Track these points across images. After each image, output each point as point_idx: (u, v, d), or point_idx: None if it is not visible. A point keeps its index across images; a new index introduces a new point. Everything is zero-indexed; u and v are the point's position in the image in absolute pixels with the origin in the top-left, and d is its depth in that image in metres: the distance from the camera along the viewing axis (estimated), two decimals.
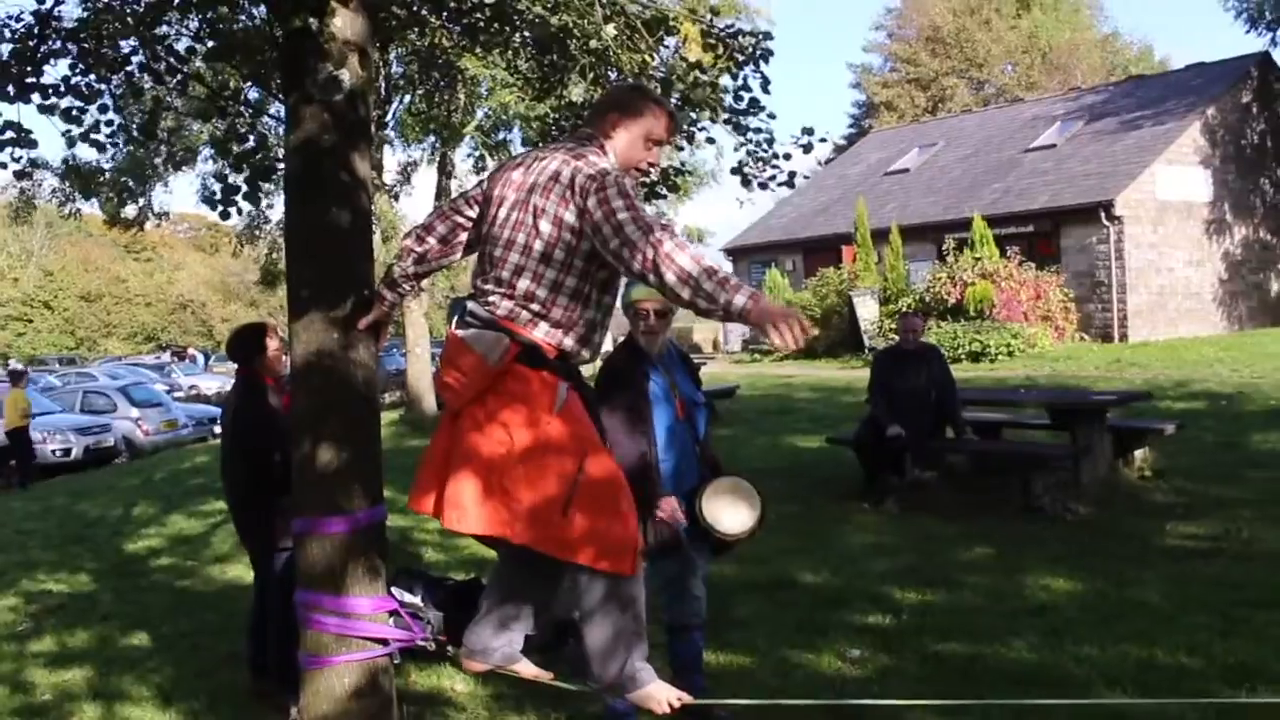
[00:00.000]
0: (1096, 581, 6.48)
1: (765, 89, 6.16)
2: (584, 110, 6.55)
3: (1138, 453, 9.43)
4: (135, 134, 6.25)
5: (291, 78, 4.22)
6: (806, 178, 8.16)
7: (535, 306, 3.28)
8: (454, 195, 6.82)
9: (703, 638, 4.95)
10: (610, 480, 3.33)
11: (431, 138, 19.29)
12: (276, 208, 19.00)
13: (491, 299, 3.32)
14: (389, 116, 18.33)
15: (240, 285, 64.33)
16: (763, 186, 6.41)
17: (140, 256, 73.18)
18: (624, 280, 3.68)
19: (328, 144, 4.15)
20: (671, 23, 5.82)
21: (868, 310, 25.02)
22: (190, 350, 57.21)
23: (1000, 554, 7.30)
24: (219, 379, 38.37)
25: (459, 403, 3.42)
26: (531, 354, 3.29)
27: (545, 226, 3.26)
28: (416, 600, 5.85)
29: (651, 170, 3.57)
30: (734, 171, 6.41)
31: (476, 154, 19.64)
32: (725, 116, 6.18)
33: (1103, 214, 23.85)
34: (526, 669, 3.77)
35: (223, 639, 6.86)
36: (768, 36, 6.01)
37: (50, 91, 5.49)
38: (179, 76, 5.87)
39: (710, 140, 6.60)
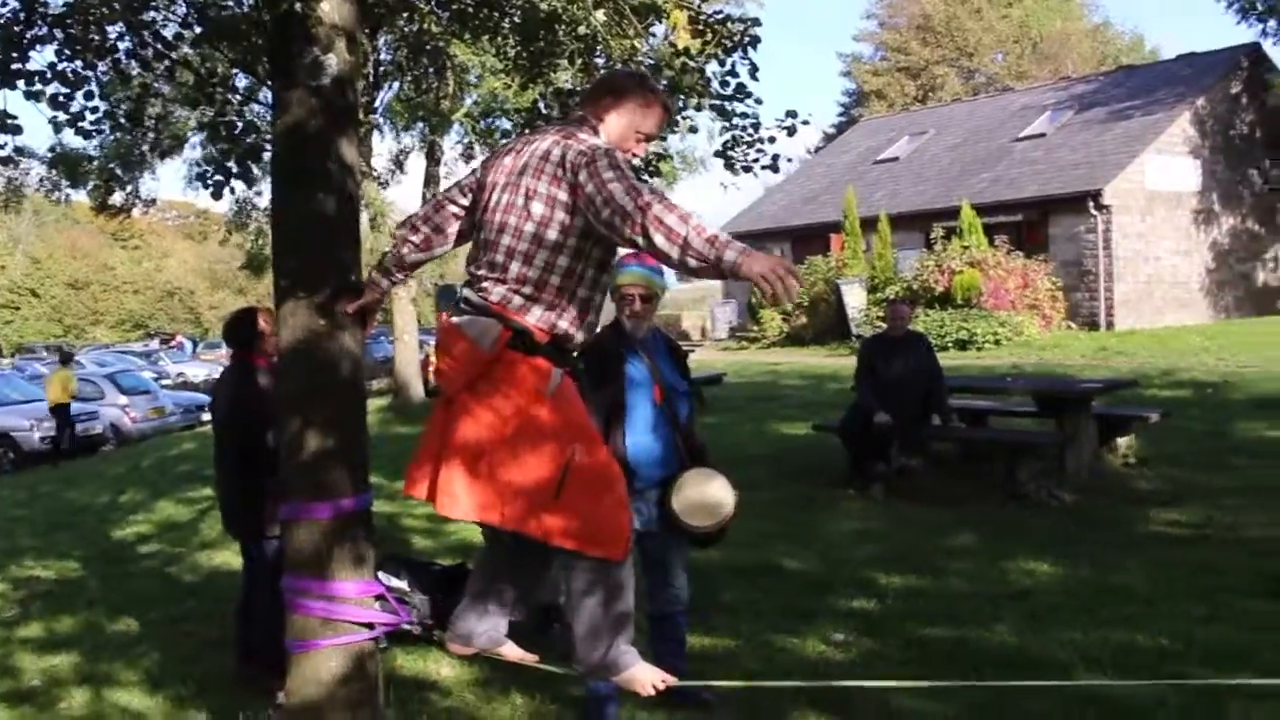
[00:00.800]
0: (1080, 567, 6.52)
1: (754, 76, 6.15)
2: (571, 97, 6.55)
3: (1123, 440, 9.47)
4: (122, 121, 6.23)
5: (279, 63, 4.23)
6: (790, 160, 8.19)
7: (528, 290, 3.27)
8: (447, 184, 6.82)
9: (686, 623, 4.97)
10: (602, 467, 3.33)
11: (421, 125, 19.24)
12: (264, 195, 18.95)
13: (484, 285, 3.32)
14: (378, 103, 18.27)
15: (228, 273, 64.09)
16: (746, 170, 6.41)
17: (128, 244, 72.88)
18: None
19: (315, 129, 4.15)
20: (661, 8, 5.82)
21: (855, 298, 25.06)
22: (178, 337, 57.03)
23: (985, 540, 7.34)
24: (206, 366, 38.26)
25: (452, 389, 3.41)
26: (524, 340, 3.28)
27: (537, 208, 3.24)
28: (403, 585, 5.86)
29: (635, 158, 3.55)
30: (718, 155, 6.41)
31: (466, 141, 19.60)
32: (711, 102, 6.18)
33: (1091, 203, 23.90)
34: (512, 652, 3.78)
35: (210, 624, 6.87)
36: (756, 23, 6.01)
37: (36, 78, 5.47)
38: (166, 62, 5.86)
39: (693, 129, 6.60)
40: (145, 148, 18.78)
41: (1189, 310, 25.59)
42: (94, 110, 5.85)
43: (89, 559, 9.46)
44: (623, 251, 3.81)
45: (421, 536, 8.64)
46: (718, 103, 6.25)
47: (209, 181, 5.54)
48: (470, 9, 6.39)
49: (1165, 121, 25.64)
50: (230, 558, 7.86)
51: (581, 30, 5.91)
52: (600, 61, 6.25)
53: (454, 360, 3.37)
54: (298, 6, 4.06)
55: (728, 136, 6.45)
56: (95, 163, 18.13)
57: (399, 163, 21.21)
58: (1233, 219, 26.93)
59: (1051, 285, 24.06)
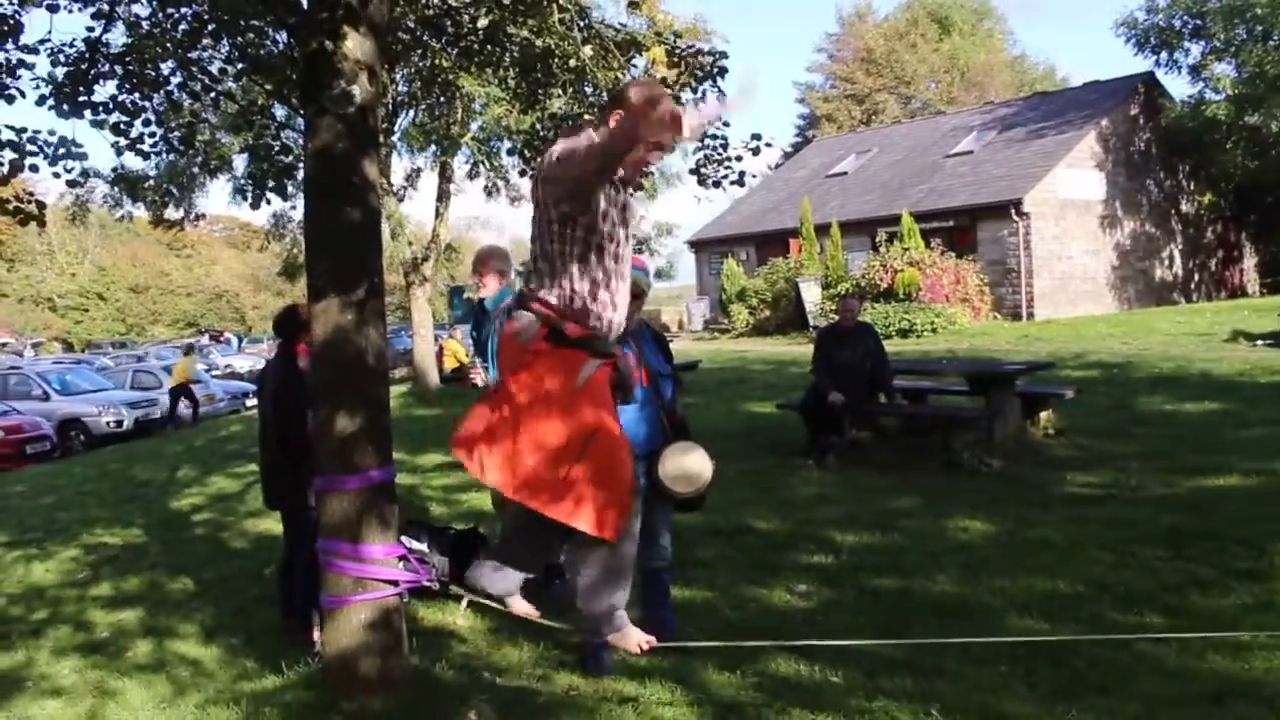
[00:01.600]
0: (1008, 524, 6.52)
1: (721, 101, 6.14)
2: (564, 122, 6.52)
3: (1043, 414, 9.49)
4: (176, 145, 6.20)
5: (310, 93, 4.19)
6: (754, 177, 8.14)
7: (544, 278, 3.23)
8: (457, 200, 6.73)
9: (670, 577, 4.95)
10: (613, 459, 3.27)
11: (433, 147, 19.13)
12: (298, 209, 18.84)
13: (530, 284, 3.31)
14: (395, 128, 18.18)
15: (268, 277, 63.73)
16: (716, 185, 6.41)
17: (181, 253, 72.54)
18: None
19: (341, 151, 4.13)
20: (641, 43, 5.80)
21: (812, 294, 25.07)
22: (225, 334, 56.76)
23: (926, 502, 7.33)
24: (250, 358, 38.06)
25: (503, 375, 3.40)
26: (557, 334, 3.23)
27: (537, 205, 3.24)
28: (423, 547, 5.82)
29: (649, 167, 3.43)
30: (692, 172, 6.41)
31: (473, 161, 19.52)
32: None
33: (1013, 211, 23.95)
34: (519, 606, 3.76)
35: (257, 583, 6.84)
36: (724, 56, 6.00)
37: (100, 108, 5.45)
38: (213, 94, 5.83)
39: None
40: (195, 168, 18.71)
41: (1097, 302, 25.67)
42: (151, 135, 5.83)
43: (151, 527, 9.40)
44: None
45: (438, 505, 8.61)
46: None
47: (249, 195, 5.51)
48: (475, 46, 6.36)
49: (1075, 139, 25.70)
50: (273, 525, 7.81)
51: (572, 63, 5.88)
52: (589, 90, 6.23)
53: (504, 350, 3.37)
54: (326, 44, 4.03)
55: (700, 155, 6.43)
56: (152, 182, 18.01)
57: (413, 180, 21.11)
58: (1133, 223, 27.00)
59: (980, 281, 24.12)
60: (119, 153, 5.77)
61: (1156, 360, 14.07)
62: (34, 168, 5.31)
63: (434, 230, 20.05)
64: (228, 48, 5.86)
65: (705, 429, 9.39)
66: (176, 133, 6.22)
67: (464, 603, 4.21)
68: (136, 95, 5.56)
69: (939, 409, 10.01)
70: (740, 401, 13.51)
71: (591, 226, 3.17)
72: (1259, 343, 15.47)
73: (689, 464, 4.45)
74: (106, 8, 5.27)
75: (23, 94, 5.34)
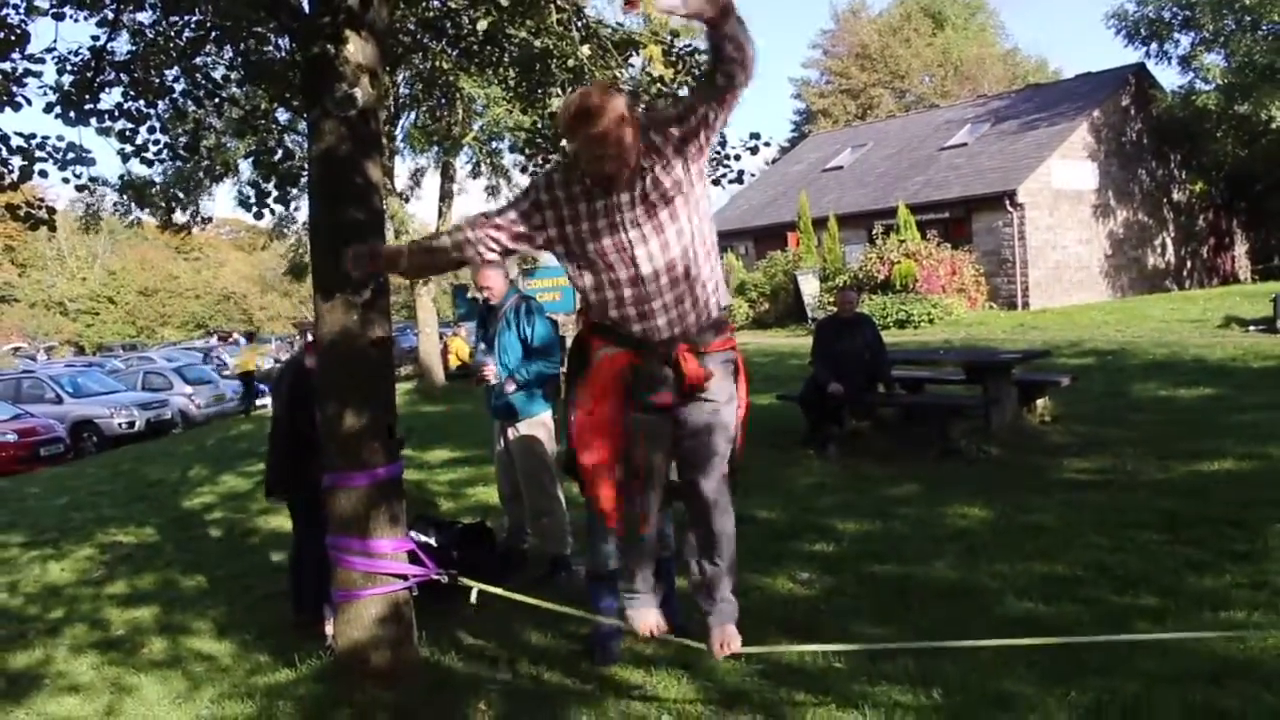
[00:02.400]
0: (1006, 510, 6.52)
1: None
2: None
3: (1039, 402, 9.49)
4: (181, 151, 6.20)
5: (312, 97, 4.20)
6: (754, 175, 8.17)
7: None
8: (459, 199, 6.72)
9: (675, 568, 4.95)
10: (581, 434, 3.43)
11: (435, 148, 19.13)
12: (302, 210, 18.87)
13: None
14: (398, 130, 18.18)
15: (274, 278, 63.77)
16: (716, 183, 6.41)
17: (189, 256, 72.52)
18: None
19: (344, 154, 4.13)
20: (638, 42, 5.79)
21: (810, 287, 25.04)
22: (234, 334, 56.76)
23: (925, 489, 7.34)
24: (258, 359, 38.05)
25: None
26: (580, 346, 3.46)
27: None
28: (431, 541, 5.83)
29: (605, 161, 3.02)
30: None
31: (474, 161, 19.51)
32: None
33: (1007, 202, 23.89)
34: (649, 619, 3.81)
35: (268, 579, 6.85)
36: None
37: (106, 115, 5.45)
38: (216, 100, 5.83)
39: None
40: (201, 173, 18.71)
41: (1091, 290, 25.62)
42: (156, 142, 5.84)
43: (164, 525, 9.42)
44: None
45: (445, 499, 8.61)
46: None
47: (252, 204, 5.51)
48: (475, 48, 6.36)
49: (1067, 131, 25.63)
50: (283, 522, 7.81)
51: (570, 63, 5.88)
52: None
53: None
54: (328, 49, 4.03)
55: None
56: (159, 187, 17.96)
57: (417, 180, 21.12)
58: (1125, 212, 26.94)
59: (975, 272, 24.07)
60: (125, 159, 5.77)
61: (1150, 347, 14.06)
62: (43, 173, 5.32)
63: (437, 230, 20.05)
64: (230, 54, 5.86)
65: None
66: (181, 139, 6.22)
67: (473, 593, 4.21)
68: (141, 102, 5.56)
69: (937, 398, 10.00)
70: None
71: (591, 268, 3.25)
72: (1251, 328, 15.45)
73: None
74: (111, 16, 5.27)
75: (29, 102, 5.34)
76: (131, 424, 20.87)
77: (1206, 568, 5.04)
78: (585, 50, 5.65)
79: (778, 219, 29.61)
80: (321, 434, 4.24)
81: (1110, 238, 26.61)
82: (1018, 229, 24.01)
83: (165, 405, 22.32)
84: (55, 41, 5.30)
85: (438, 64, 7.32)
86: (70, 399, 21.64)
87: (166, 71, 5.59)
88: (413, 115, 17.96)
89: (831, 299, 21.07)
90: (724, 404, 3.37)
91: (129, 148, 5.64)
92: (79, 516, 10.63)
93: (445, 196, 19.83)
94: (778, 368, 16.09)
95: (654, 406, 3.35)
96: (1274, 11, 24.40)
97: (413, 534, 4.85)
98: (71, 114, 5.25)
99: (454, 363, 21.57)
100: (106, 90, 5.41)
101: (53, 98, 5.29)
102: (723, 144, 6.40)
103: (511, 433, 6.15)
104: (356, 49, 4.11)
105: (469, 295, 5.39)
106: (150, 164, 5.98)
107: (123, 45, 5.79)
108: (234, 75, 5.90)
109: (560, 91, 6.12)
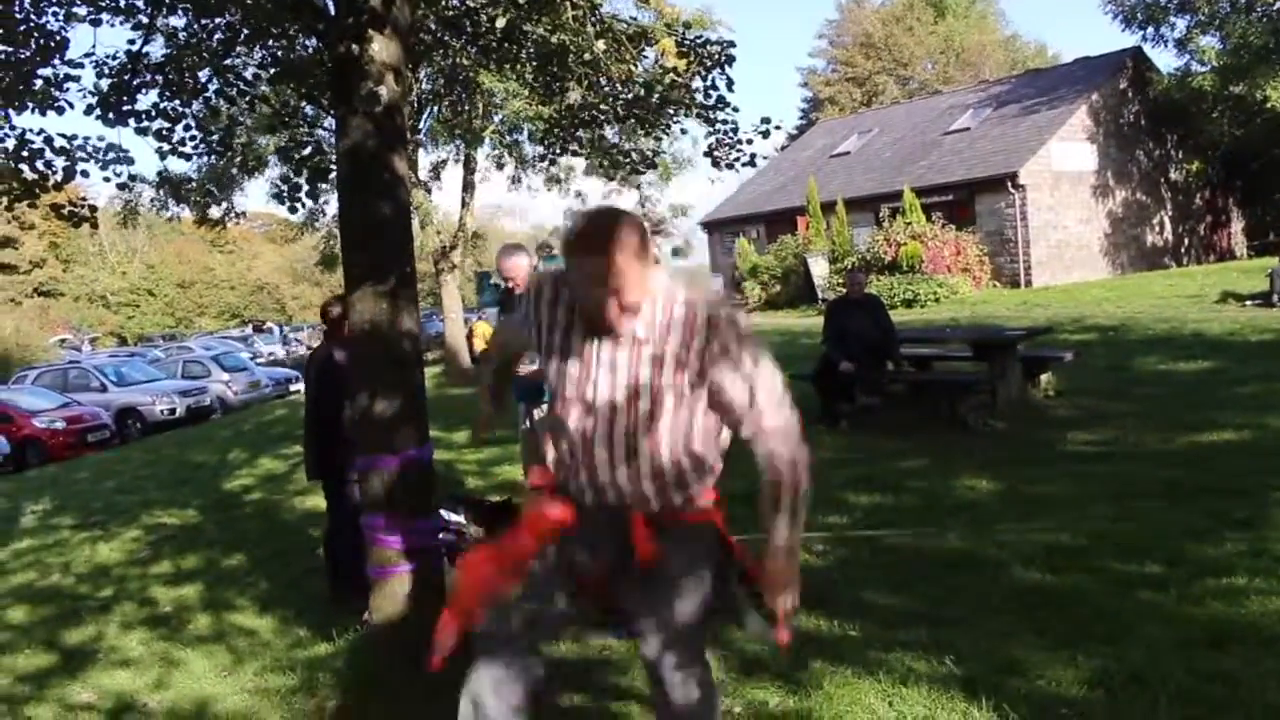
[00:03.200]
0: (1012, 481, 6.49)
1: (730, 88, 6.11)
2: (581, 113, 6.50)
3: (1043, 377, 9.44)
4: (215, 147, 6.21)
5: (340, 94, 4.18)
6: (765, 159, 8.14)
7: None
8: (481, 190, 6.69)
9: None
10: None
11: (457, 141, 19.09)
12: (332, 204, 18.86)
13: None
14: (421, 124, 18.14)
15: (306, 269, 63.91)
16: (729, 167, 6.39)
17: (224, 249, 72.68)
18: None
19: (371, 148, 4.12)
20: (651, 35, 5.76)
21: (820, 269, 24.96)
22: (268, 324, 57.01)
23: (934, 462, 7.31)
24: (291, 346, 38.26)
25: None
26: None
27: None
28: (460, 519, 5.85)
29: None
30: (706, 154, 6.40)
31: (495, 153, 19.49)
32: (697, 111, 6.14)
33: (1009, 184, 23.74)
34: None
35: (306, 557, 6.89)
36: (731, 45, 5.94)
37: (143, 116, 5.46)
38: (248, 98, 5.83)
39: (683, 131, 6.60)
40: (234, 169, 18.77)
41: (1091, 268, 25.44)
42: (191, 140, 5.85)
43: (206, 507, 9.49)
44: None
45: (474, 478, 8.64)
46: (703, 111, 6.20)
47: (285, 199, 5.51)
48: (494, 44, 6.33)
49: (1067, 114, 25.40)
50: (319, 502, 7.83)
51: (586, 57, 5.84)
52: (603, 82, 6.20)
53: None
54: (354, 48, 4.01)
55: (712, 139, 6.40)
56: (195, 183, 18.10)
57: (437, 173, 21.10)
58: (1124, 192, 26.70)
59: (979, 252, 23.93)
60: (162, 157, 5.82)
61: (1150, 322, 13.95)
62: (84, 173, 5.35)
63: (461, 219, 20.07)
64: (261, 54, 5.86)
65: None
66: (215, 136, 6.23)
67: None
68: (177, 102, 5.56)
69: (944, 374, 9.97)
70: None
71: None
72: (1248, 303, 15.31)
73: None
74: (145, 21, 5.27)
75: (71, 105, 5.37)
76: (173, 411, 21.03)
77: (1208, 535, 4.99)
78: (600, 45, 5.61)
79: (787, 204, 29.48)
80: (355, 418, 4.25)
81: (1110, 217, 26.39)
82: (1020, 210, 23.84)
83: (204, 392, 22.47)
84: (94, 47, 5.33)
85: (458, 61, 7.30)
86: (114, 388, 21.82)
87: (200, 72, 5.59)
88: (435, 110, 17.91)
89: (841, 280, 21.02)
90: (686, 588, 2.66)
91: (166, 145, 5.66)
92: (125, 500, 10.73)
93: (468, 187, 19.82)
94: (791, 347, 16.03)
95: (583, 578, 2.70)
96: None
97: (443, 512, 4.86)
98: (110, 115, 5.26)
99: (479, 346, 21.59)
100: (143, 91, 5.42)
101: (92, 100, 5.30)
102: (735, 130, 6.37)
103: (537, 413, 6.16)
104: (381, 48, 4.09)
105: (492, 282, 5.38)
106: (187, 159, 6.00)
107: (158, 48, 5.80)
108: (264, 75, 5.89)
109: (578, 85, 6.10)
